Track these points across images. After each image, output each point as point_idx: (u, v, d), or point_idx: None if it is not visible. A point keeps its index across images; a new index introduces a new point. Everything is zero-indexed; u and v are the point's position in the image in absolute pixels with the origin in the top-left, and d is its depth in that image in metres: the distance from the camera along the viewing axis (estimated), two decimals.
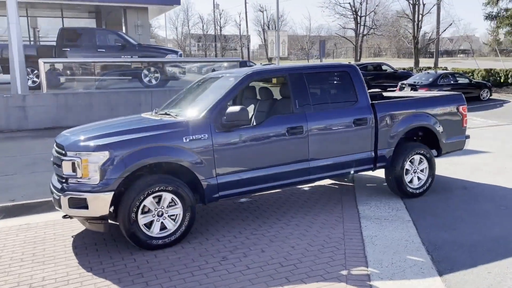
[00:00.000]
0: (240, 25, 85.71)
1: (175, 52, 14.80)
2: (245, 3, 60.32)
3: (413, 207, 5.49)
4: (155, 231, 4.32)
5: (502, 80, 22.26)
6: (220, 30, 68.10)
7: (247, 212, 5.48)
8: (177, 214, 4.40)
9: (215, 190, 4.58)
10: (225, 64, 17.20)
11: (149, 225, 4.31)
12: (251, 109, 5.60)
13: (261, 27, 65.16)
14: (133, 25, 18.47)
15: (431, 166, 5.93)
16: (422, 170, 5.91)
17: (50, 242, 4.65)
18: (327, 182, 6.69)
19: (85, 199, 4.09)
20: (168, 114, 4.98)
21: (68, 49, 13.62)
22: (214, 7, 63.74)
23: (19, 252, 4.42)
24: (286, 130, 4.91)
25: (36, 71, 13.24)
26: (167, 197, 4.32)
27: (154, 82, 13.40)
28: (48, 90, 11.68)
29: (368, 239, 4.47)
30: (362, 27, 37.23)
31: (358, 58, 36.54)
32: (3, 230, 5.10)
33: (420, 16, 30.72)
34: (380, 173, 6.75)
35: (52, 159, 4.67)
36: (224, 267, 3.92)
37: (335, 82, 5.53)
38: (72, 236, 4.82)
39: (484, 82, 20.67)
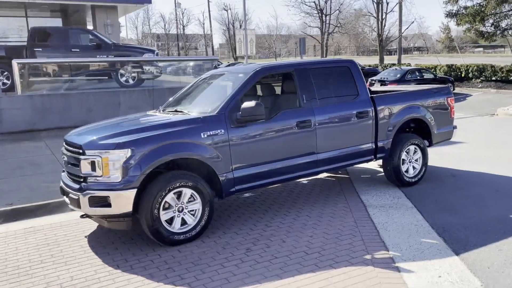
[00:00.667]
0: (204, 24, 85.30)
1: (152, 51, 14.61)
2: (208, 2, 59.66)
3: (411, 195, 5.77)
4: (176, 226, 4.35)
5: (463, 75, 23.43)
6: (183, 29, 67.35)
7: (255, 206, 5.59)
8: (196, 209, 4.44)
9: (232, 184, 4.66)
10: (191, 63, 17.16)
11: (169, 221, 4.34)
12: None
13: (225, 26, 64.97)
14: (103, 24, 18.03)
15: (424, 156, 6.25)
16: (416, 160, 6.22)
17: (65, 243, 4.58)
18: (323, 174, 6.88)
19: (107, 197, 4.07)
20: (179, 111, 5.01)
21: (40, 49, 13.15)
22: (175, 5, 62.96)
23: (36, 254, 4.33)
24: (296, 124, 5.05)
25: (6, 73, 12.72)
26: (187, 192, 4.36)
27: (131, 81, 13.18)
28: (22, 92, 11.25)
29: (380, 226, 4.69)
30: (327, 26, 37.97)
31: (324, 56, 37.25)
32: (8, 234, 4.96)
33: (384, 14, 31.73)
34: (371, 164, 7.06)
35: (65, 159, 4.59)
36: (252, 258, 4.02)
37: (337, 76, 5.71)
38: (85, 237, 4.76)
39: (447, 77, 21.68)
